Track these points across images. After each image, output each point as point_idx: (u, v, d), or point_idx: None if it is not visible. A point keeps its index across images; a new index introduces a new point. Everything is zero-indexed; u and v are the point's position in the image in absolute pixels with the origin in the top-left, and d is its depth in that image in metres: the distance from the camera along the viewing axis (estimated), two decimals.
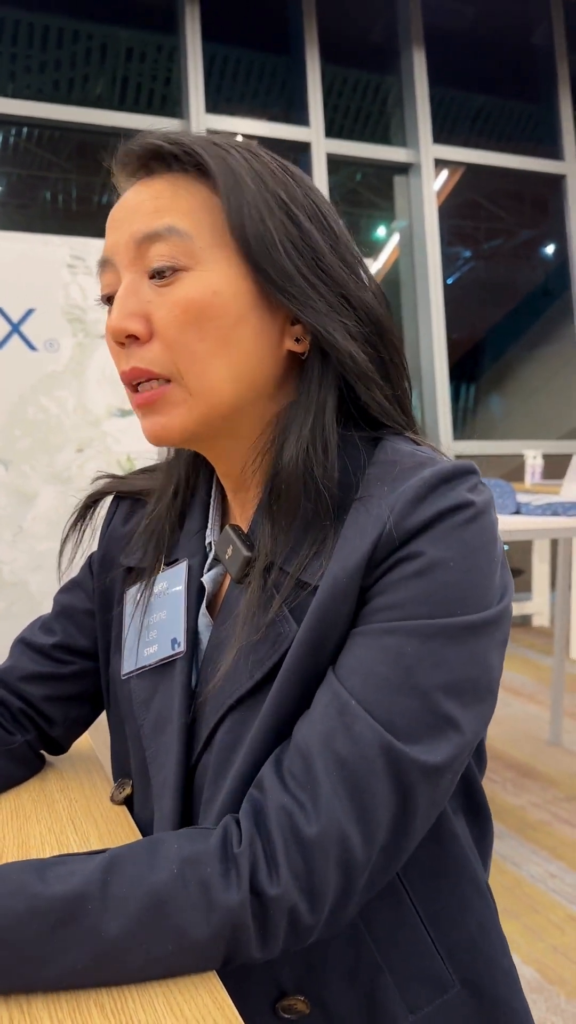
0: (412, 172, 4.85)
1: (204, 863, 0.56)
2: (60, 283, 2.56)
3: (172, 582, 0.77)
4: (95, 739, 0.95)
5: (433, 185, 4.81)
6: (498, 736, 3.21)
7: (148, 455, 0.88)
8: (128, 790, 0.79)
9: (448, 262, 4.98)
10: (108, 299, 0.72)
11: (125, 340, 0.68)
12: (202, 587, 0.76)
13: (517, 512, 2.51)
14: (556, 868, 2.24)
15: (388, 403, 0.72)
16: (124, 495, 0.88)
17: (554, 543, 4.54)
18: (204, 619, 0.75)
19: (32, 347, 2.53)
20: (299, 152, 4.54)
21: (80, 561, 0.88)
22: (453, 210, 5.20)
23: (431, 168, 4.80)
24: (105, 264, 0.71)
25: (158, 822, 0.71)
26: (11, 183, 4.41)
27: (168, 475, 0.83)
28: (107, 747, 0.85)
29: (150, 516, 0.82)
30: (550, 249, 5.61)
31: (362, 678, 0.60)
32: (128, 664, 0.78)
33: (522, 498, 2.62)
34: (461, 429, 5.06)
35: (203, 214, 0.68)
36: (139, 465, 1.17)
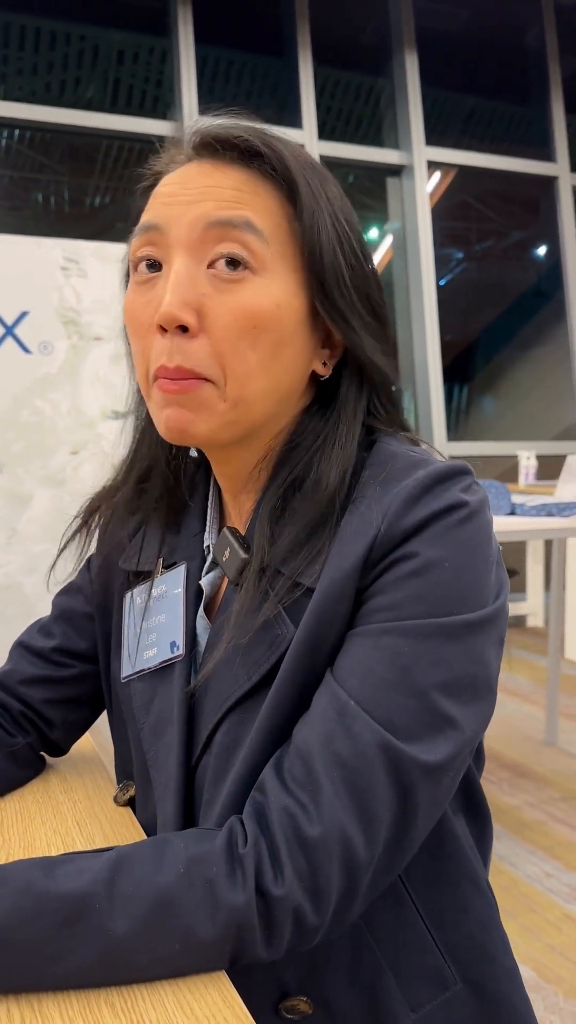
0: (405, 174, 4.86)
1: (210, 863, 0.56)
2: (54, 285, 2.56)
3: (171, 585, 0.77)
4: (97, 741, 0.95)
5: (425, 187, 4.82)
6: (494, 736, 3.21)
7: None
8: (131, 792, 0.79)
9: (441, 264, 4.99)
10: (145, 261, 0.68)
11: (174, 329, 0.64)
12: (201, 590, 0.76)
13: (512, 513, 2.52)
14: (552, 868, 2.25)
15: (396, 410, 0.74)
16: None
17: (548, 544, 4.55)
18: (202, 621, 0.76)
19: (26, 350, 2.52)
20: None
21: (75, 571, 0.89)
22: (445, 212, 5.21)
23: (423, 170, 4.81)
24: (154, 230, 0.67)
25: (161, 824, 0.71)
26: (3, 185, 4.40)
27: (133, 459, 0.82)
28: (110, 748, 0.85)
29: (111, 501, 0.82)
30: (542, 250, 5.63)
31: (360, 679, 0.60)
32: (128, 667, 0.78)
33: (517, 499, 2.63)
34: (454, 430, 5.07)
35: (279, 220, 0.67)
36: None
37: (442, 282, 4.93)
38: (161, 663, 0.74)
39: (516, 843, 2.38)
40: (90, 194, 4.63)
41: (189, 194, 0.66)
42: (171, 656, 0.74)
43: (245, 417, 0.68)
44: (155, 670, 0.75)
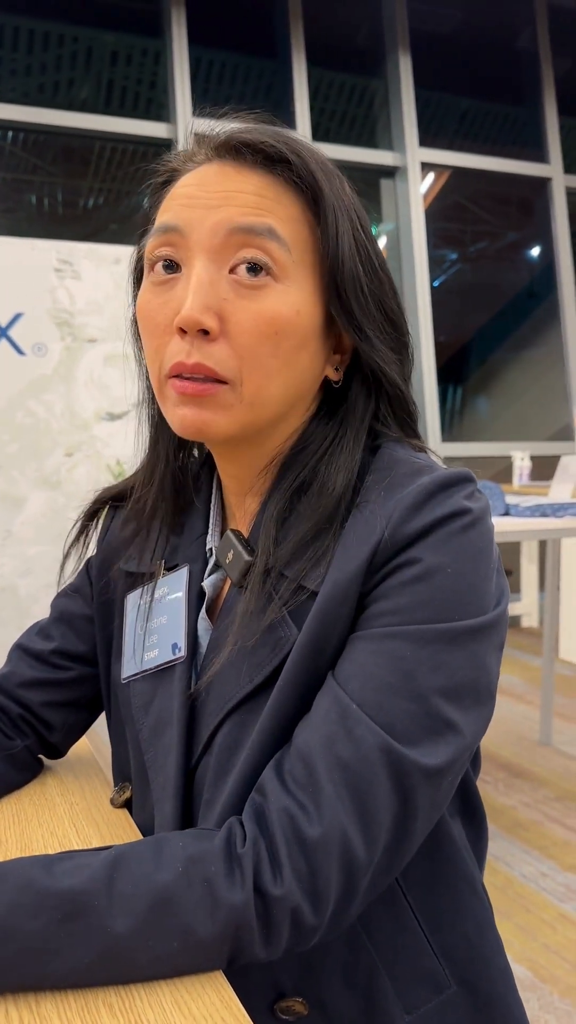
0: (398, 175, 4.86)
1: (208, 862, 0.56)
2: (47, 287, 2.56)
3: (173, 587, 0.77)
4: (93, 743, 0.95)
5: (419, 188, 4.83)
6: (488, 737, 3.22)
7: (138, 459, 0.88)
8: (128, 793, 0.79)
9: (435, 265, 4.99)
10: (163, 262, 0.68)
11: (195, 332, 0.65)
12: (203, 592, 0.77)
13: (506, 513, 2.53)
14: (547, 867, 2.25)
15: (411, 420, 0.75)
16: (120, 502, 0.88)
17: (543, 544, 4.57)
18: (204, 623, 0.76)
19: (20, 351, 2.52)
20: None
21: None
22: (439, 213, 5.22)
23: (417, 171, 4.82)
24: (173, 231, 0.67)
25: (159, 825, 0.71)
26: None
27: (150, 469, 0.81)
28: (106, 751, 0.86)
29: (133, 511, 0.81)
30: (535, 251, 5.64)
31: (362, 682, 0.61)
32: (129, 668, 0.78)
33: (511, 499, 2.63)
34: (449, 431, 5.08)
35: (300, 227, 0.67)
36: (129, 469, 1.16)
37: (436, 283, 4.93)
38: (162, 664, 0.75)
39: (511, 843, 2.39)
40: (84, 196, 4.63)
41: (211, 197, 0.66)
42: (172, 658, 0.74)
43: (260, 418, 0.68)
44: (156, 671, 0.75)
